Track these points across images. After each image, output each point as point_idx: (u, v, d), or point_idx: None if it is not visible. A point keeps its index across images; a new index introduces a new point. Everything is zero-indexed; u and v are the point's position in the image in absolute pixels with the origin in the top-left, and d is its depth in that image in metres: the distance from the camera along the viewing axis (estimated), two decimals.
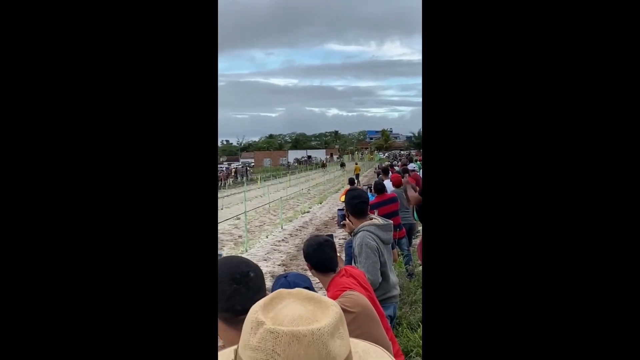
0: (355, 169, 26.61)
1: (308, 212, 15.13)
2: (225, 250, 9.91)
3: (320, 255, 2.36)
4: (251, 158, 69.24)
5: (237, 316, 1.18)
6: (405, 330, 4.31)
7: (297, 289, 0.80)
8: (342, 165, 46.73)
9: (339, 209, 3.48)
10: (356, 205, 3.21)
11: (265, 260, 8.72)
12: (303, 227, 12.31)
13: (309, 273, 2.61)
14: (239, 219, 12.68)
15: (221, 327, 1.22)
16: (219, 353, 0.80)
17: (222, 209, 17.43)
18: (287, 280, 1.81)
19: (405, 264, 6.36)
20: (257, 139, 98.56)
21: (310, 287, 1.82)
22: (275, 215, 14.53)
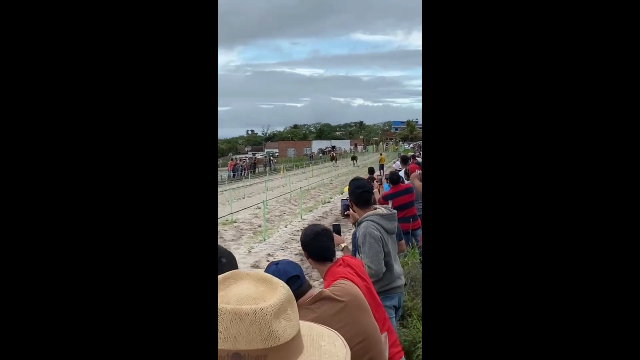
0: (380, 160, 26.54)
1: (329, 202, 15.13)
2: (244, 239, 10.01)
3: (317, 245, 2.36)
4: (275, 148, 69.55)
5: None
6: (415, 321, 4.28)
7: (256, 271, 0.81)
8: (354, 159, 39.71)
9: (342, 199, 3.48)
10: (360, 195, 3.19)
11: (282, 249, 8.77)
12: (323, 217, 12.32)
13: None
14: (259, 208, 12.77)
15: None
16: None
17: (243, 198, 17.59)
18: (277, 268, 1.81)
19: (420, 255, 6.32)
20: (281, 129, 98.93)
21: (300, 275, 1.83)
22: (295, 205, 14.58)
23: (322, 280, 2.42)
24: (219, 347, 0.67)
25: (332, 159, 43.00)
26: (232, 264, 1.31)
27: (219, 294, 0.71)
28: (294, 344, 0.72)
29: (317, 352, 0.76)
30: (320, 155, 56.37)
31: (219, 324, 0.67)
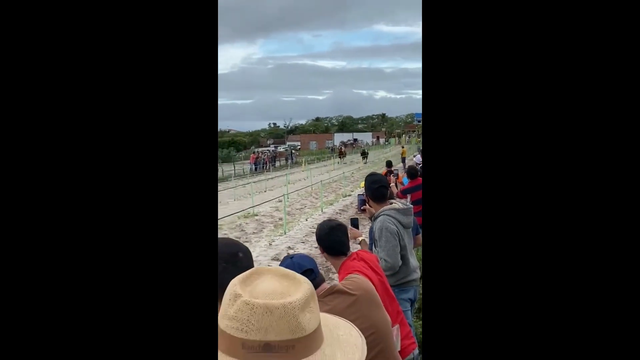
0: (402, 152, 26.37)
1: (349, 195, 15.15)
2: (265, 232, 10.12)
3: (331, 239, 2.40)
4: (297, 141, 69.66)
5: None
6: None
7: (276, 267, 0.87)
8: (364, 154, 34.94)
9: (359, 194, 3.50)
10: (376, 190, 3.22)
11: (302, 242, 8.84)
12: (343, 210, 12.35)
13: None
14: (280, 201, 12.86)
15: None
16: None
17: (265, 191, 17.72)
18: (292, 261, 1.86)
19: None
20: (303, 122, 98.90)
21: (314, 269, 1.87)
22: (316, 199, 14.64)
23: (336, 274, 2.46)
24: (250, 338, 0.72)
25: (340, 154, 38.16)
26: (248, 259, 1.36)
27: (246, 289, 0.77)
28: (317, 334, 0.77)
29: (335, 341, 0.81)
30: (332, 149, 53.75)
31: (250, 316, 0.73)
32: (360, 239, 3.05)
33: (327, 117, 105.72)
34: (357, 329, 0.87)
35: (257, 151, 40.65)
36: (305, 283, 0.79)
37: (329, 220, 2.57)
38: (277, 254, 7.90)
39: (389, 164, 11.42)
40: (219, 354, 0.75)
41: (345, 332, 0.85)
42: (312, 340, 0.76)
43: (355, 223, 3.12)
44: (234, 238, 1.54)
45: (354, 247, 2.57)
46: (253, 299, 0.74)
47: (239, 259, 1.33)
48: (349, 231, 2.57)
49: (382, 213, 3.16)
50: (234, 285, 0.77)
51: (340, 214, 11.61)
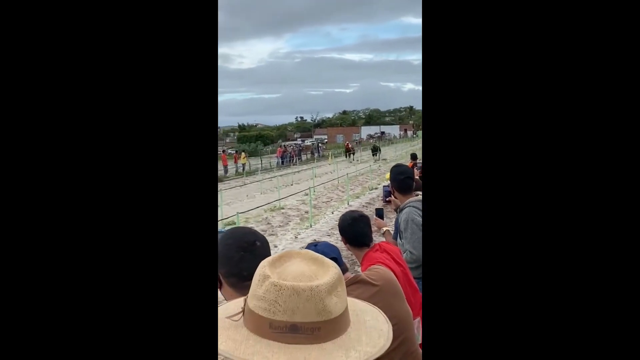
0: None
1: (376, 188, 15.08)
2: (291, 225, 10.16)
3: (354, 230, 2.39)
4: (324, 134, 69.69)
5: (243, 282, 1.27)
6: None
7: (305, 250, 0.88)
8: (375, 150, 30.54)
9: (384, 186, 3.48)
10: (402, 181, 3.18)
11: (328, 235, 8.85)
12: (370, 203, 12.31)
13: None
14: (306, 194, 12.89)
15: (227, 290, 1.32)
16: (232, 301, 0.88)
17: (292, 184, 17.80)
18: (316, 249, 1.85)
19: None
20: (330, 115, 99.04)
21: (338, 258, 1.86)
22: (342, 192, 14.62)
23: (359, 265, 2.45)
24: (277, 318, 0.74)
25: (348, 151, 32.68)
26: (265, 247, 1.36)
27: (275, 271, 0.78)
28: (343, 318, 0.78)
29: (362, 326, 0.81)
30: (371, 141, 51.93)
31: (278, 297, 0.74)
32: (384, 229, 3.03)
33: (354, 110, 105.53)
34: (384, 315, 0.87)
35: (284, 145, 40.77)
36: (333, 267, 0.80)
37: (352, 211, 2.56)
38: (302, 247, 7.88)
39: (413, 156, 11.30)
40: (247, 332, 0.77)
41: (372, 317, 0.85)
42: (338, 323, 0.76)
43: (380, 213, 3.11)
44: (249, 227, 1.55)
45: (378, 238, 2.55)
46: (281, 281, 0.75)
47: (257, 248, 1.34)
48: (374, 221, 2.56)
49: (408, 205, 3.12)
50: (264, 266, 0.79)
51: (366, 206, 11.56)
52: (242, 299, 0.83)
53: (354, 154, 32.82)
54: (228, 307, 0.84)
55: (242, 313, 0.79)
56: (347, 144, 35.51)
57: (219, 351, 0.76)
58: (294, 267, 0.79)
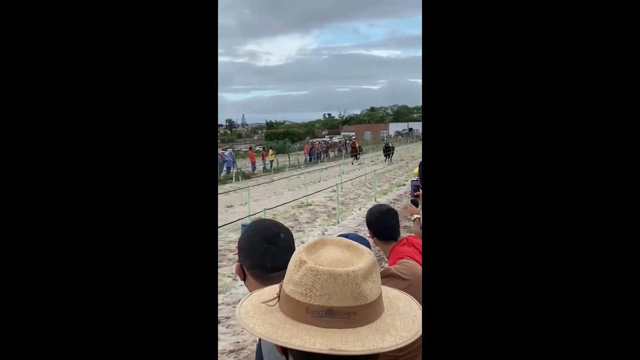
0: None
1: (404, 185, 14.97)
2: (318, 221, 10.17)
3: (381, 224, 2.36)
4: (352, 131, 69.61)
5: (267, 273, 1.28)
6: None
7: (338, 237, 0.90)
8: (387, 150, 26.78)
9: (412, 180, 3.47)
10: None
11: (356, 232, 8.82)
12: (397, 199, 12.23)
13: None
14: (334, 191, 12.89)
15: (251, 282, 1.32)
16: (267, 288, 0.89)
17: (319, 181, 17.82)
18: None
19: None
20: (358, 112, 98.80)
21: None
22: (370, 188, 14.56)
23: (386, 259, 2.42)
24: (314, 303, 0.75)
25: (354, 151, 28.01)
26: (289, 239, 1.36)
27: (311, 256, 0.80)
28: (378, 303, 0.80)
29: (396, 312, 0.83)
30: (399, 137, 51.29)
31: (315, 282, 0.75)
32: (416, 216, 3.02)
33: (382, 107, 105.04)
34: (416, 301, 0.88)
35: (312, 142, 40.86)
36: (368, 254, 0.81)
37: (380, 205, 2.53)
38: None
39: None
40: (283, 317, 0.78)
41: (405, 304, 0.86)
42: (373, 308, 0.78)
43: (415, 203, 3.13)
44: (273, 219, 1.55)
45: (406, 229, 2.51)
46: (318, 266, 0.77)
47: (281, 240, 1.34)
48: (404, 211, 2.54)
49: None
50: (300, 252, 0.81)
51: (394, 203, 11.47)
52: (276, 285, 0.85)
53: (360, 153, 28.54)
54: (263, 293, 0.86)
55: (277, 298, 0.81)
56: (353, 143, 30.51)
57: (258, 335, 0.77)
58: (329, 254, 0.80)
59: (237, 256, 1.36)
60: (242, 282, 1.38)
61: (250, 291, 1.33)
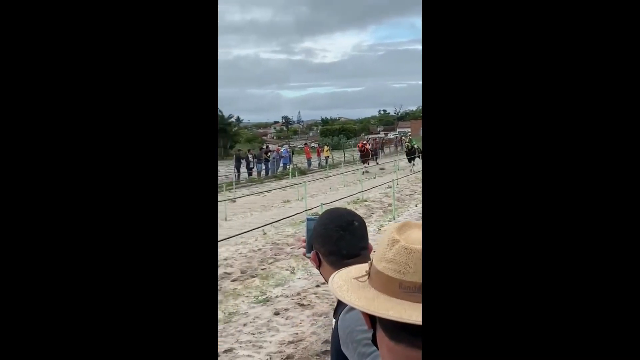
0: None
1: None
2: (374, 217, 10.17)
3: None
4: (407, 128, 68.62)
5: (342, 260, 1.32)
6: None
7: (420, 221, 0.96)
8: (411, 153, 21.28)
9: None
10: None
11: None
12: None
13: None
14: (389, 187, 12.84)
15: (326, 269, 1.38)
16: (354, 266, 0.94)
17: (374, 177, 17.76)
18: None
19: None
20: (414, 108, 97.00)
21: None
22: None
23: None
24: (407, 279, 0.79)
25: (364, 155, 23.06)
26: (363, 227, 1.41)
27: (402, 236, 0.83)
28: None
29: None
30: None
31: (408, 260, 0.79)
32: None
33: None
34: None
35: (368, 138, 40.59)
36: None
37: None
38: None
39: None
40: (375, 292, 0.82)
41: None
42: None
43: None
44: (347, 208, 1.60)
45: None
46: (411, 244, 0.80)
47: (355, 227, 1.38)
48: None
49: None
50: (391, 232, 0.84)
51: None
52: (365, 264, 0.89)
53: (371, 157, 23.09)
54: (351, 271, 0.91)
55: (367, 275, 0.85)
56: (360, 144, 25.11)
57: (357, 307, 0.82)
58: (417, 235, 0.84)
59: (293, 250, 1.42)
60: (310, 272, 1.45)
61: (325, 278, 1.39)
